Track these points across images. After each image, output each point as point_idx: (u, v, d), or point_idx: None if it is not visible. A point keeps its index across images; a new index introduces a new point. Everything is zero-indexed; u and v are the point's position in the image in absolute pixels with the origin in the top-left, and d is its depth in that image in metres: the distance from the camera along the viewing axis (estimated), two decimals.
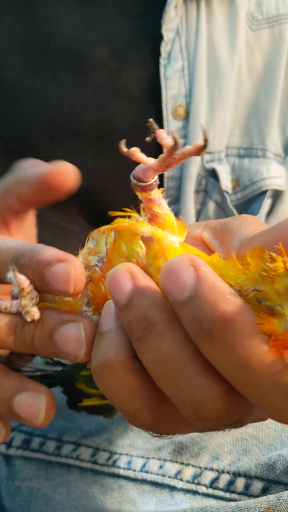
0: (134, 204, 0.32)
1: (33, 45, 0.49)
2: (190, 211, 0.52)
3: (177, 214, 0.53)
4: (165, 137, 0.28)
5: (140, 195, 0.30)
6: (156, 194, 0.30)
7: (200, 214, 0.54)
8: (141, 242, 0.28)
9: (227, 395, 0.23)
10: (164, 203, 0.31)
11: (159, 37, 0.50)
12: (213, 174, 0.52)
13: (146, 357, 0.24)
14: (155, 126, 0.28)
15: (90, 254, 0.30)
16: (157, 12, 0.49)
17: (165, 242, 0.28)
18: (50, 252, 0.28)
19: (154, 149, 0.51)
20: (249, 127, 0.54)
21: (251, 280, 0.23)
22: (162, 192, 0.31)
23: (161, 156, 0.29)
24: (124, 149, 0.29)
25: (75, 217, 0.53)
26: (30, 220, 0.36)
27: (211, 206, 0.53)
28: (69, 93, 0.49)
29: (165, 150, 0.28)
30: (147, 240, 0.28)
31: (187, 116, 0.51)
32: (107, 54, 0.49)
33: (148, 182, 0.30)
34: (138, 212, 0.31)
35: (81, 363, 0.28)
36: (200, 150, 0.28)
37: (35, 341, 0.28)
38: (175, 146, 0.28)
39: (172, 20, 0.49)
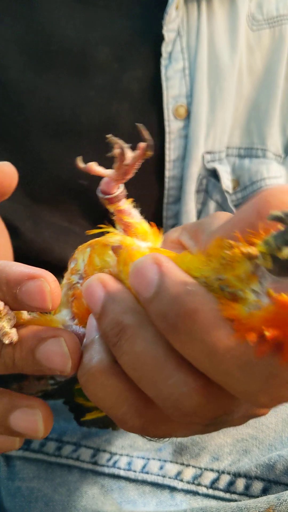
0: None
1: (35, 46, 0.49)
2: (191, 211, 0.52)
3: (178, 214, 0.53)
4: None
5: (110, 208, 0.32)
6: (125, 205, 0.31)
7: (200, 214, 0.54)
8: (111, 252, 0.29)
9: (203, 388, 0.23)
10: (134, 212, 0.32)
11: (160, 38, 0.50)
12: (213, 174, 0.53)
13: (123, 361, 0.24)
14: (114, 140, 0.29)
15: (72, 273, 0.31)
16: (158, 13, 0.50)
17: (133, 248, 0.29)
18: (18, 269, 0.26)
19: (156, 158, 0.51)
20: (249, 127, 0.54)
21: (213, 270, 0.23)
22: (131, 202, 0.32)
23: (115, 165, 0.30)
24: (81, 165, 0.30)
25: (76, 217, 0.53)
26: None
27: (212, 206, 0.53)
28: (71, 93, 0.49)
29: (116, 159, 0.30)
30: (117, 249, 0.29)
31: (188, 116, 0.51)
32: (109, 55, 0.50)
33: (114, 193, 0.31)
34: (114, 226, 0.32)
35: (71, 376, 0.28)
36: (146, 151, 0.29)
37: (16, 362, 0.27)
38: (122, 153, 0.29)
39: (173, 21, 0.49)
